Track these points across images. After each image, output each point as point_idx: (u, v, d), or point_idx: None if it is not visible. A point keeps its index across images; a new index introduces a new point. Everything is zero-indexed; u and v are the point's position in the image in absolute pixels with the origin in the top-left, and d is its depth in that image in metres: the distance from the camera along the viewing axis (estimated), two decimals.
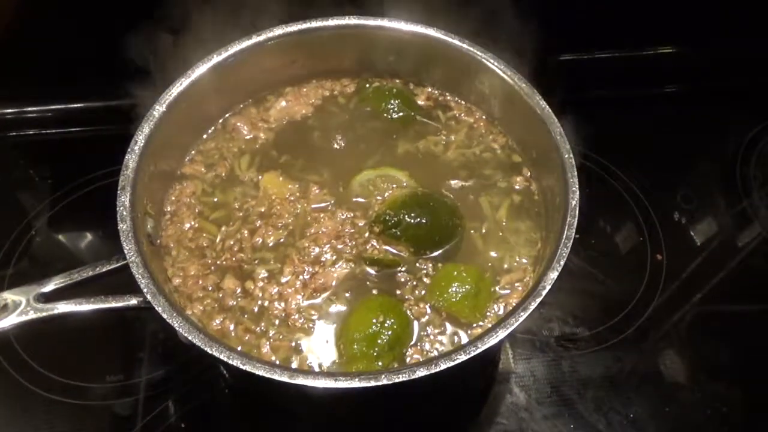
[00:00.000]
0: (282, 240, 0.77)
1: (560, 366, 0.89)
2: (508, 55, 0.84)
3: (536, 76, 0.82)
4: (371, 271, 0.75)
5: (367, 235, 0.77)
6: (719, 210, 1.08)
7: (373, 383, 0.58)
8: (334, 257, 0.75)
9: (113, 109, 1.14)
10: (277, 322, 0.71)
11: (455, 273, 0.73)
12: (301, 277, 0.74)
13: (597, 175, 1.09)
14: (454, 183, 0.83)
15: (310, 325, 0.71)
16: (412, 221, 0.75)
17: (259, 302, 0.73)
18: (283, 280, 0.74)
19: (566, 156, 0.75)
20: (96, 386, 0.86)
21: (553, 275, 0.65)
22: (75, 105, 1.16)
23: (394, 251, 0.77)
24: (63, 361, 0.87)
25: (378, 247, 0.77)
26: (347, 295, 0.73)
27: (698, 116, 1.19)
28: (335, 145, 0.86)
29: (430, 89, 0.93)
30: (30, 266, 0.97)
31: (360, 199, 0.81)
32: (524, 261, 0.77)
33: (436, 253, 0.77)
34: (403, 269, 0.75)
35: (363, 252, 0.76)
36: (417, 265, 0.76)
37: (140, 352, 0.88)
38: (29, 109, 1.16)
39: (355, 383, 0.58)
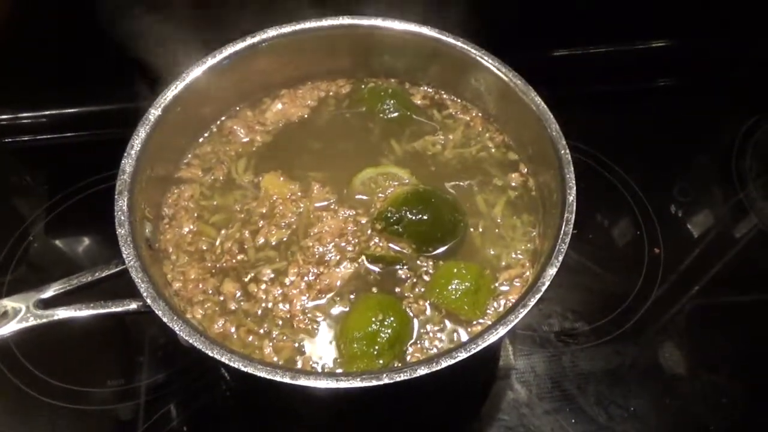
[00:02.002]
0: (285, 239, 0.77)
1: (560, 361, 0.90)
2: (500, 52, 0.84)
3: (530, 73, 0.82)
4: (374, 268, 0.76)
5: (369, 232, 0.78)
6: (716, 202, 1.09)
7: (374, 383, 0.58)
8: (338, 257, 0.76)
9: (108, 113, 1.14)
10: (280, 323, 0.71)
11: (455, 270, 0.73)
12: (305, 278, 0.74)
13: (593, 169, 1.09)
14: (452, 182, 0.83)
15: (315, 326, 0.71)
16: (414, 218, 0.75)
17: (263, 304, 0.73)
18: (288, 281, 0.74)
19: (562, 152, 0.75)
20: (97, 391, 0.86)
21: (552, 271, 0.65)
22: (69, 110, 1.16)
23: (397, 248, 0.77)
24: (63, 366, 0.87)
25: (380, 244, 0.77)
26: (351, 296, 0.73)
27: (693, 109, 1.20)
28: (332, 147, 0.86)
29: (425, 88, 0.93)
30: (28, 273, 0.97)
31: (362, 197, 0.81)
32: (522, 257, 0.77)
33: (439, 250, 0.77)
34: (405, 266, 0.76)
35: (365, 249, 0.76)
36: (418, 262, 0.76)
37: (140, 356, 0.88)
38: (24, 114, 1.15)
39: (357, 383, 0.59)
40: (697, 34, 1.25)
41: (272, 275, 0.74)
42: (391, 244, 0.77)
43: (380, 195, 0.80)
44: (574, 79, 1.22)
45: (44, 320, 0.66)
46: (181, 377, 0.87)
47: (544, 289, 0.65)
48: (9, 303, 0.66)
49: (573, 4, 1.16)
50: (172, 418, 0.84)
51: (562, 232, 0.68)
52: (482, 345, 0.61)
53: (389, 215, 0.76)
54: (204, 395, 0.86)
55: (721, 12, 1.22)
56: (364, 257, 0.76)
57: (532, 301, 0.64)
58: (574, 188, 0.71)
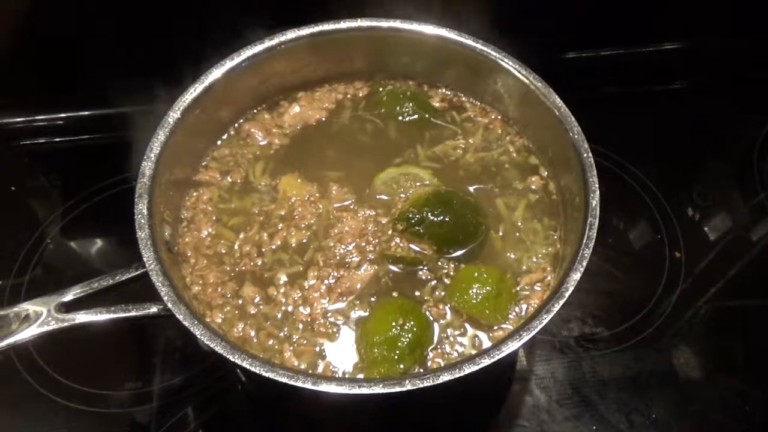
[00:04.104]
0: (305, 240, 0.77)
1: (580, 367, 0.89)
2: (512, 55, 0.83)
3: (544, 75, 0.81)
4: (394, 268, 0.75)
5: (390, 233, 0.77)
6: (736, 205, 1.07)
7: (397, 389, 0.58)
8: (359, 258, 0.75)
9: (123, 116, 1.14)
10: (300, 326, 0.71)
11: (476, 274, 0.72)
12: (326, 281, 0.73)
13: (612, 173, 1.08)
14: (473, 185, 0.83)
15: (335, 330, 0.71)
16: (435, 219, 0.75)
17: (283, 308, 0.72)
18: (307, 284, 0.73)
19: (584, 155, 0.74)
20: (115, 394, 0.86)
21: (576, 276, 0.65)
22: (85, 112, 1.16)
23: (417, 249, 0.76)
24: (81, 369, 0.87)
25: (401, 244, 0.77)
26: (372, 299, 0.73)
27: (713, 111, 1.18)
28: (351, 150, 0.86)
29: (443, 90, 0.92)
30: (45, 275, 0.97)
31: (383, 197, 0.81)
32: (543, 261, 0.77)
33: (459, 252, 0.76)
34: (425, 268, 0.75)
35: (386, 250, 0.76)
36: (438, 263, 0.76)
37: (158, 359, 0.88)
38: (40, 117, 1.16)
39: (379, 389, 0.58)
40: (715, 35, 1.24)
41: (291, 278, 0.74)
42: (411, 245, 0.77)
43: (401, 195, 0.80)
44: (588, 81, 1.21)
45: (65, 324, 0.66)
46: (198, 380, 0.86)
47: (567, 294, 0.64)
48: (30, 307, 0.66)
49: (584, 6, 1.15)
50: (189, 421, 0.84)
51: (585, 236, 0.68)
52: (506, 351, 0.61)
53: (410, 216, 0.76)
54: (222, 399, 0.86)
55: (737, 11, 1.20)
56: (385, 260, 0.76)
57: (556, 307, 0.63)
58: (598, 192, 0.71)
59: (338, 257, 0.75)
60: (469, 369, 0.59)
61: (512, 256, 0.77)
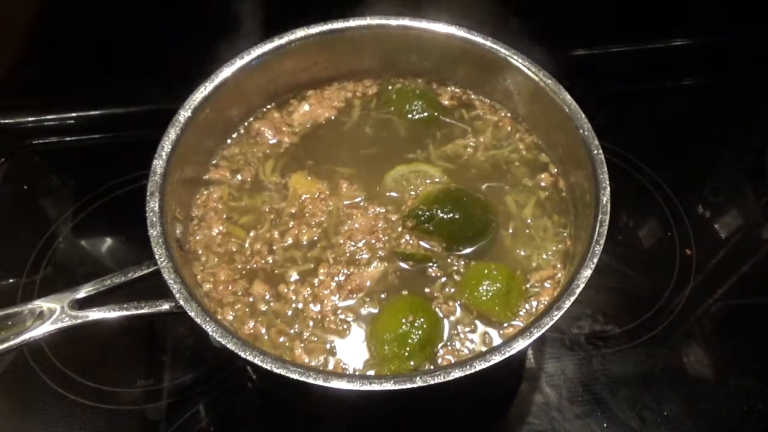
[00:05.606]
0: (315, 238, 0.77)
1: (591, 364, 0.88)
2: (524, 52, 0.83)
3: (553, 72, 0.81)
4: (404, 265, 0.75)
5: (400, 230, 0.78)
6: (748, 202, 1.06)
7: (408, 386, 0.58)
8: (369, 255, 0.75)
9: (134, 115, 1.15)
10: (311, 323, 0.71)
11: (486, 271, 0.72)
12: (336, 278, 0.74)
13: (622, 169, 1.07)
14: (483, 182, 0.83)
15: (345, 327, 0.71)
16: (445, 216, 0.75)
17: (293, 305, 0.73)
18: (317, 281, 0.74)
19: (595, 152, 0.74)
20: (126, 391, 0.86)
21: (587, 273, 0.65)
22: (96, 112, 1.17)
23: (427, 246, 0.77)
24: (94, 366, 0.87)
25: (411, 241, 0.77)
26: (382, 295, 0.73)
27: (724, 108, 1.18)
28: (361, 149, 0.86)
29: (452, 88, 0.92)
30: (58, 274, 0.98)
31: (393, 194, 0.81)
32: (553, 258, 0.76)
33: (469, 249, 0.77)
34: (435, 265, 0.75)
35: (396, 247, 0.76)
36: (448, 261, 0.76)
37: (169, 356, 0.89)
38: (51, 116, 1.16)
39: (390, 386, 0.58)
40: (723, 32, 1.23)
41: (302, 275, 0.74)
42: (421, 242, 0.77)
43: (411, 193, 0.80)
44: (597, 78, 1.20)
45: (78, 321, 0.66)
46: (209, 378, 0.87)
47: (578, 291, 0.64)
48: (44, 304, 0.67)
49: (593, 2, 1.14)
50: (200, 419, 0.84)
51: (596, 233, 0.67)
52: (516, 348, 0.61)
53: (420, 213, 0.76)
54: (233, 396, 0.86)
55: (748, 6, 1.20)
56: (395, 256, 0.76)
57: (567, 304, 0.63)
58: (608, 189, 0.70)
59: (348, 254, 0.76)
60: (479, 366, 0.59)
61: (522, 253, 0.77)
